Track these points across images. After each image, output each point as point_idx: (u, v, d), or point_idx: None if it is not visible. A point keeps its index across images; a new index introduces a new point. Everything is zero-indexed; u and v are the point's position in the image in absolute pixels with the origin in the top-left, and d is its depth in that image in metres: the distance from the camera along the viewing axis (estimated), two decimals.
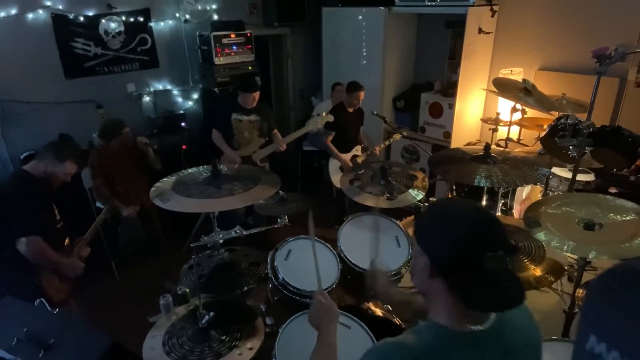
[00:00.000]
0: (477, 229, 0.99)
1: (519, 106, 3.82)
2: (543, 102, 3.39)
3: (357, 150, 4.54)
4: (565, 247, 1.83)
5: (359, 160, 4.50)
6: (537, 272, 2.06)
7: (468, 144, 4.60)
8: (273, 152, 4.12)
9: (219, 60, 4.73)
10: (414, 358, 0.98)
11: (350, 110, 4.40)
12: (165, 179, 2.45)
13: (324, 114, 4.12)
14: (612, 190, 3.00)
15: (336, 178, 4.50)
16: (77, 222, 2.94)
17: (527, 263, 2.11)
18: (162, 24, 4.76)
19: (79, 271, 2.64)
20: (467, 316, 1.01)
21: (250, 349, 1.95)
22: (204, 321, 2.00)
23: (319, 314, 1.42)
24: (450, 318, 1.02)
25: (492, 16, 4.40)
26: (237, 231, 2.51)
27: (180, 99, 5.09)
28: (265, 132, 4.09)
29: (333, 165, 4.50)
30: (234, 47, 4.83)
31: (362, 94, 4.31)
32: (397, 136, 4.45)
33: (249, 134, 4.01)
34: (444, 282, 1.01)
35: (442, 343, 1.00)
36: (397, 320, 2.40)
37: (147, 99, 4.82)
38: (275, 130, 4.15)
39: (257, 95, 3.94)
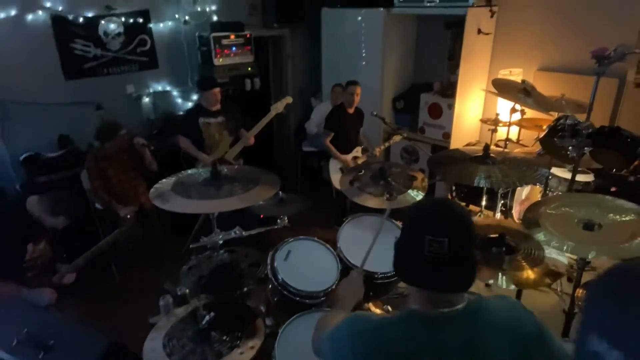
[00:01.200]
0: (426, 214, 1.12)
1: (518, 107, 3.83)
2: (542, 103, 3.40)
3: (357, 151, 4.54)
4: (564, 248, 1.83)
5: (360, 161, 4.50)
6: (535, 273, 2.06)
7: (467, 145, 4.61)
8: (244, 148, 4.12)
9: (218, 61, 4.74)
10: (374, 328, 1.10)
11: (350, 111, 4.39)
12: (164, 179, 2.45)
13: (284, 98, 4.18)
14: (614, 189, 3.00)
15: (336, 179, 4.49)
16: (77, 223, 2.93)
17: (525, 264, 2.11)
18: (161, 25, 4.76)
19: (48, 301, 2.47)
20: (432, 300, 1.07)
21: (252, 347, 1.95)
22: (204, 322, 2.00)
23: (349, 287, 1.65)
24: (418, 301, 1.10)
25: (492, 17, 4.41)
26: (237, 232, 2.51)
27: (179, 100, 5.09)
28: (233, 131, 4.10)
29: (333, 166, 4.49)
30: (234, 48, 4.84)
31: (357, 89, 4.28)
32: (397, 137, 4.45)
33: (219, 136, 4.01)
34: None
35: (404, 321, 1.09)
36: None
37: (146, 100, 4.81)
38: (242, 129, 4.15)
39: (217, 92, 3.91)
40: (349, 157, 4.46)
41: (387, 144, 4.57)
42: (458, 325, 1.06)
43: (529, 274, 2.05)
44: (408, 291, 1.16)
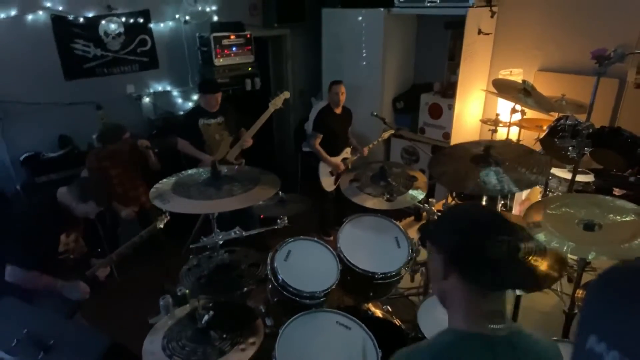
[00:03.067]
0: (479, 218, 1.09)
1: (518, 107, 3.82)
2: (542, 103, 3.39)
3: (346, 152, 4.50)
4: (564, 248, 1.83)
5: (349, 162, 4.46)
6: (543, 266, 2.05)
7: None
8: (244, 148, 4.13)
9: (218, 62, 4.74)
10: (431, 358, 1.03)
11: (338, 111, 4.36)
12: (164, 180, 2.45)
13: (282, 93, 4.16)
14: (616, 192, 3.00)
15: (326, 182, 4.46)
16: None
17: (531, 259, 2.10)
18: (161, 25, 4.76)
19: (82, 295, 2.51)
20: (482, 318, 1.04)
21: (253, 343, 1.95)
22: (203, 321, 1.99)
23: None
24: (465, 320, 1.05)
25: (492, 17, 4.41)
26: (237, 232, 2.51)
27: (180, 100, 5.09)
28: (233, 131, 4.10)
29: (323, 168, 4.45)
30: (234, 48, 4.84)
31: (341, 88, 4.25)
32: (386, 134, 4.43)
33: (219, 137, 4.01)
34: (457, 276, 1.05)
35: (455, 342, 1.04)
36: (396, 321, 2.40)
37: (146, 100, 4.82)
38: (242, 129, 4.15)
39: (219, 96, 3.93)
40: (338, 159, 4.42)
41: (375, 142, 4.52)
42: (510, 343, 1.04)
43: (538, 268, 2.04)
44: (452, 310, 1.11)
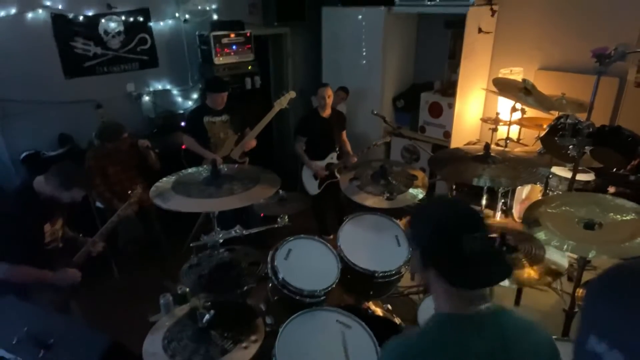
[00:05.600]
0: (451, 215, 1.10)
1: (518, 106, 3.82)
2: (543, 102, 3.39)
3: (332, 157, 4.34)
4: (565, 247, 1.83)
5: (334, 168, 4.31)
6: (535, 272, 2.06)
7: (468, 144, 4.61)
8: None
9: (218, 60, 4.74)
10: (424, 347, 1.04)
11: (324, 114, 4.19)
12: (165, 178, 2.45)
13: (288, 93, 4.14)
14: (611, 190, 3.00)
15: (310, 185, 4.38)
16: (77, 220, 2.94)
17: (526, 263, 2.11)
18: (161, 23, 4.75)
19: (72, 281, 2.52)
20: (465, 300, 1.06)
21: (255, 341, 1.96)
22: (204, 321, 1.99)
23: None
24: (450, 303, 1.08)
25: (492, 16, 4.40)
26: (237, 231, 2.51)
27: (179, 99, 5.09)
28: (238, 129, 4.10)
29: (306, 172, 4.36)
30: (234, 47, 4.84)
31: (327, 91, 4.10)
32: (379, 142, 4.36)
33: (224, 135, 4.01)
34: (434, 270, 1.09)
35: (442, 324, 1.07)
36: (397, 320, 2.41)
37: (146, 98, 4.81)
38: (247, 128, 4.13)
39: (225, 96, 3.92)
40: (322, 164, 4.30)
41: (365, 150, 4.33)
42: (495, 322, 1.06)
43: (530, 272, 2.05)
44: (435, 296, 1.13)
